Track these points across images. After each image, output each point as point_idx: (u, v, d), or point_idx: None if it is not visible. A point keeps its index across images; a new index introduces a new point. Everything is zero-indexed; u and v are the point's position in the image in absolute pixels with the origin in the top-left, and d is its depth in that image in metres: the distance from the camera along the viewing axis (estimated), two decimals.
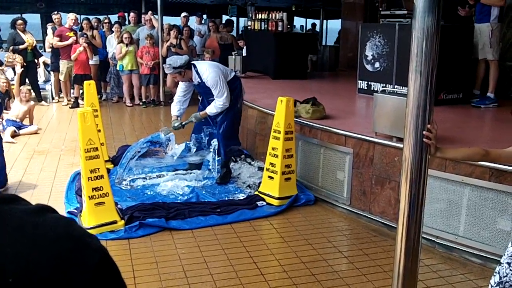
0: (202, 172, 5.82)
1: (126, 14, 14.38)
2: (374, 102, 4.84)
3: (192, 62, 5.64)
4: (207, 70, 5.48)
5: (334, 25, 18.96)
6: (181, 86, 5.81)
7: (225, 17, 19.81)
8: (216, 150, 5.72)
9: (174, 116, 5.85)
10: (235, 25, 18.81)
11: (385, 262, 4.01)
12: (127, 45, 10.77)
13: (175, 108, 5.84)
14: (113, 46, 11.12)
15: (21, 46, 10.53)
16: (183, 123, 5.78)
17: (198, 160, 5.86)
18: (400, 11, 7.04)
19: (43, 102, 11.22)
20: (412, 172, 2.39)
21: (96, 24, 12.01)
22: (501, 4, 6.36)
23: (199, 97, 5.96)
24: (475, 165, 3.93)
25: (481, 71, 6.89)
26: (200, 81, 5.51)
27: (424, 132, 2.34)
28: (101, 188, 4.44)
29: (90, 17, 12.46)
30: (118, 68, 11.06)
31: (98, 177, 4.42)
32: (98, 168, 4.42)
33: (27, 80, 10.60)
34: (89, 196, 4.41)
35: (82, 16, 12.85)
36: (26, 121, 8.63)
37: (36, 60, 11.35)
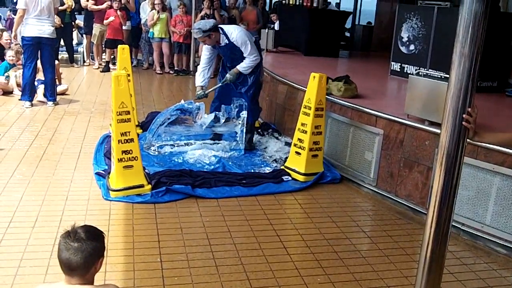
0: (229, 143, 5.84)
1: None
2: (408, 83, 4.78)
3: (219, 26, 5.79)
4: (235, 30, 5.71)
5: (368, 6, 18.60)
6: (205, 53, 5.94)
7: None
8: (245, 122, 5.73)
9: (198, 86, 5.94)
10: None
11: (408, 245, 4.01)
12: (158, 12, 10.77)
13: (200, 78, 5.94)
14: (146, 12, 11.12)
15: (60, 7, 10.58)
16: (207, 92, 5.91)
17: (226, 130, 5.87)
18: None
19: (74, 64, 11.33)
20: (448, 156, 2.35)
21: None
22: None
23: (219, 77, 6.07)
24: (507, 153, 3.87)
25: None
26: (227, 42, 5.64)
27: (464, 116, 2.30)
28: (131, 152, 4.50)
29: None
30: (149, 35, 11.09)
31: (128, 141, 4.46)
32: (129, 132, 4.46)
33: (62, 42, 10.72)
34: (118, 159, 4.47)
35: None
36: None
37: (73, 23, 11.43)
